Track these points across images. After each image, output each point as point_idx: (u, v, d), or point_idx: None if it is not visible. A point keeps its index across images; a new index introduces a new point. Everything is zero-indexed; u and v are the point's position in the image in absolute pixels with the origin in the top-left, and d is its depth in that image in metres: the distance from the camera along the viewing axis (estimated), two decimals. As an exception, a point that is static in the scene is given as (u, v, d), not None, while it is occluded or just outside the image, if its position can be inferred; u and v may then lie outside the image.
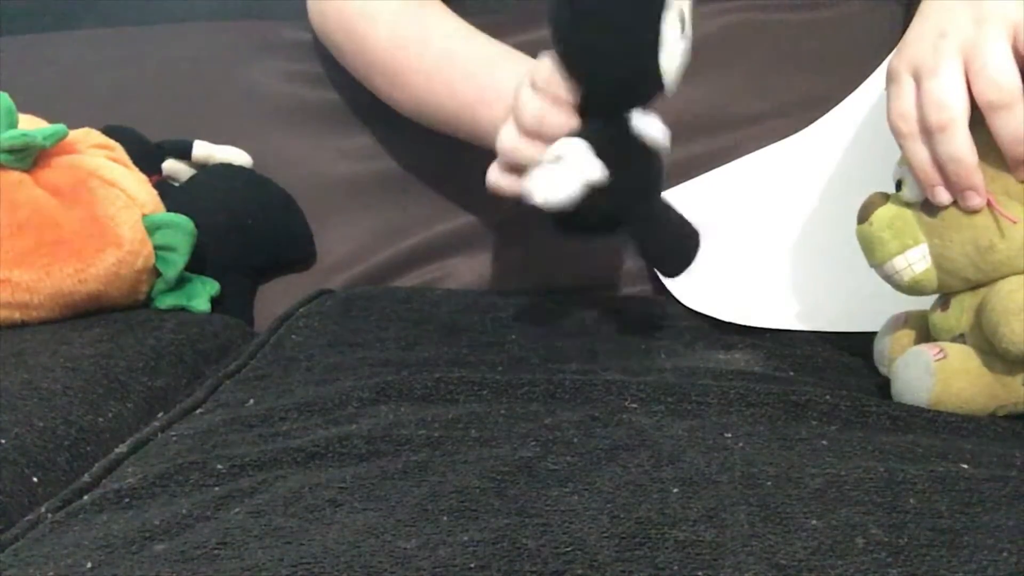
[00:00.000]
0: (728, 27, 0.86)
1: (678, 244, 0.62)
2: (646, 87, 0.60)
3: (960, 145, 0.53)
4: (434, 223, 0.92)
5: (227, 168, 0.93)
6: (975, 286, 0.56)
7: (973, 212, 0.54)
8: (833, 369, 0.64)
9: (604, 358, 0.63)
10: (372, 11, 0.84)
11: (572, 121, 0.60)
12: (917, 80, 0.54)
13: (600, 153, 0.59)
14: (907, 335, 0.61)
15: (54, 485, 0.55)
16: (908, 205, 0.57)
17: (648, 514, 0.41)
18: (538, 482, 0.44)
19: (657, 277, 0.79)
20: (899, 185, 0.57)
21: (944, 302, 0.58)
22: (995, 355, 0.55)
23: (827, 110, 0.81)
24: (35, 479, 0.55)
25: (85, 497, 0.48)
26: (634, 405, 0.54)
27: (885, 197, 0.58)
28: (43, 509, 0.47)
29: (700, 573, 0.37)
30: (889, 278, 0.58)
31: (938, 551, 0.39)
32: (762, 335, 0.69)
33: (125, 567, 0.39)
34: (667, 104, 0.88)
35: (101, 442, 0.60)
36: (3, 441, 0.55)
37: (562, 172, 0.57)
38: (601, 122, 0.60)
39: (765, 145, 0.82)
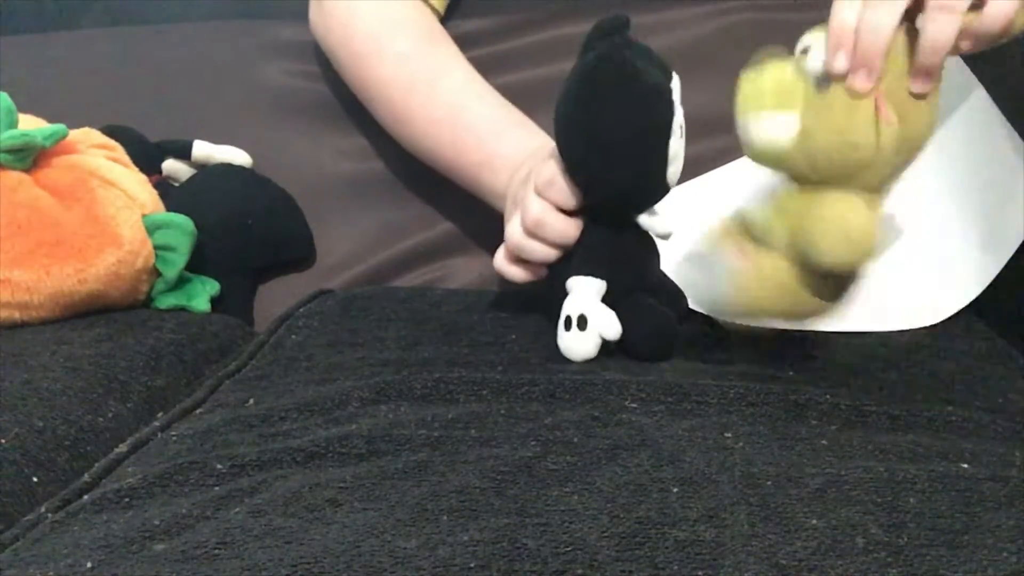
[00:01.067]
0: (728, 27, 0.86)
1: (663, 336, 0.64)
2: (653, 197, 0.63)
3: (888, 18, 0.52)
4: (434, 223, 0.92)
5: (227, 168, 0.93)
6: (807, 182, 0.55)
7: (856, 99, 0.53)
8: (833, 369, 0.64)
9: (604, 358, 0.63)
10: (381, 42, 0.83)
11: (570, 226, 0.63)
12: None
13: (601, 252, 0.63)
14: (725, 235, 0.60)
15: (54, 485, 0.55)
16: (803, 75, 0.55)
17: (648, 514, 0.41)
18: (538, 482, 0.44)
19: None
20: (804, 52, 0.56)
21: (775, 202, 0.57)
22: (801, 264, 0.54)
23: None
24: (35, 479, 0.55)
25: (85, 497, 0.48)
26: (634, 405, 0.54)
27: (786, 59, 0.56)
28: (43, 509, 0.47)
29: (700, 573, 0.37)
30: (747, 132, 0.56)
31: (938, 551, 0.39)
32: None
33: (125, 567, 0.39)
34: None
35: (101, 442, 0.60)
36: (3, 441, 0.55)
37: (585, 337, 0.62)
38: (608, 222, 0.63)
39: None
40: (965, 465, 0.47)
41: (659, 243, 0.65)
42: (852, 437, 0.50)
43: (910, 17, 0.53)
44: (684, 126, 0.62)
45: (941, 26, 0.52)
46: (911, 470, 0.46)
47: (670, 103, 0.60)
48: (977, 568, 0.38)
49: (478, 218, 0.90)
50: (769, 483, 0.44)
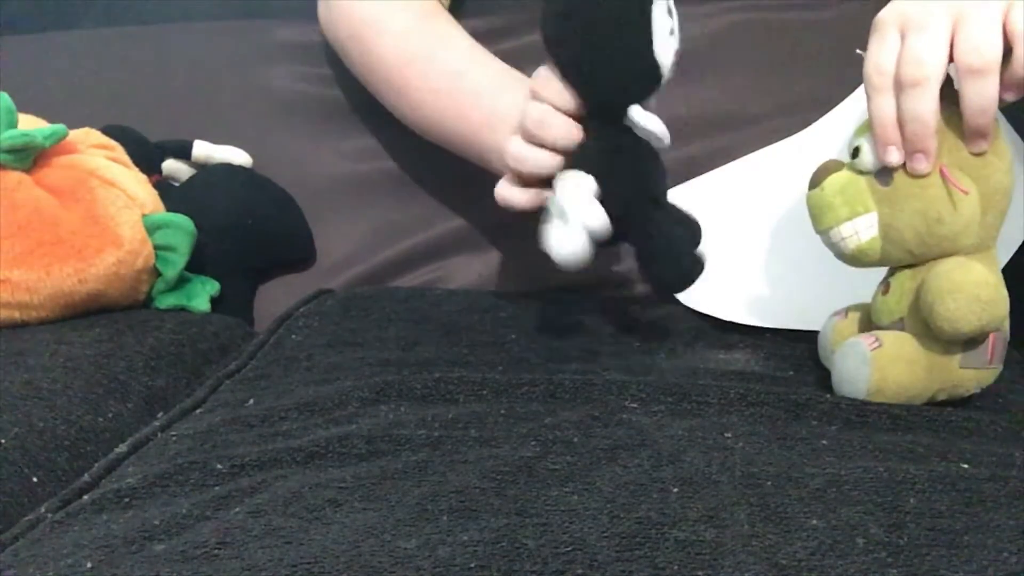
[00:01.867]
0: (728, 27, 0.86)
1: (678, 256, 0.62)
2: (642, 82, 0.61)
3: (927, 104, 0.53)
4: (434, 223, 0.92)
5: (227, 168, 0.93)
6: (916, 265, 0.56)
7: (922, 178, 0.54)
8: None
9: (604, 358, 0.63)
10: (380, 22, 0.84)
11: (573, 125, 0.61)
12: (903, 34, 0.55)
13: (601, 160, 0.60)
14: (848, 326, 0.61)
15: (54, 485, 0.55)
16: (862, 173, 0.57)
17: (648, 514, 0.41)
18: (538, 482, 0.44)
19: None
20: (855, 153, 0.57)
21: (885, 287, 0.58)
22: (931, 337, 0.55)
23: (827, 110, 0.81)
24: (35, 479, 0.55)
25: (85, 497, 0.48)
26: (634, 405, 0.54)
27: (840, 164, 0.58)
28: (43, 509, 0.47)
29: (700, 573, 0.37)
30: (834, 245, 0.57)
31: (938, 551, 0.39)
32: (762, 335, 0.69)
33: (125, 567, 0.39)
34: (668, 105, 0.88)
35: (101, 442, 0.60)
36: (3, 441, 0.55)
37: (568, 230, 0.59)
38: (602, 124, 0.61)
39: (765, 145, 0.82)
40: (965, 465, 0.47)
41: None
42: (852, 437, 0.50)
43: (944, 93, 0.54)
44: (675, 15, 0.60)
45: (981, 89, 0.53)
46: (911, 470, 0.46)
47: None
48: (977, 568, 0.38)
49: (478, 218, 0.90)
50: (769, 483, 0.44)
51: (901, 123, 0.54)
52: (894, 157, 0.55)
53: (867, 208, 0.56)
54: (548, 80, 0.62)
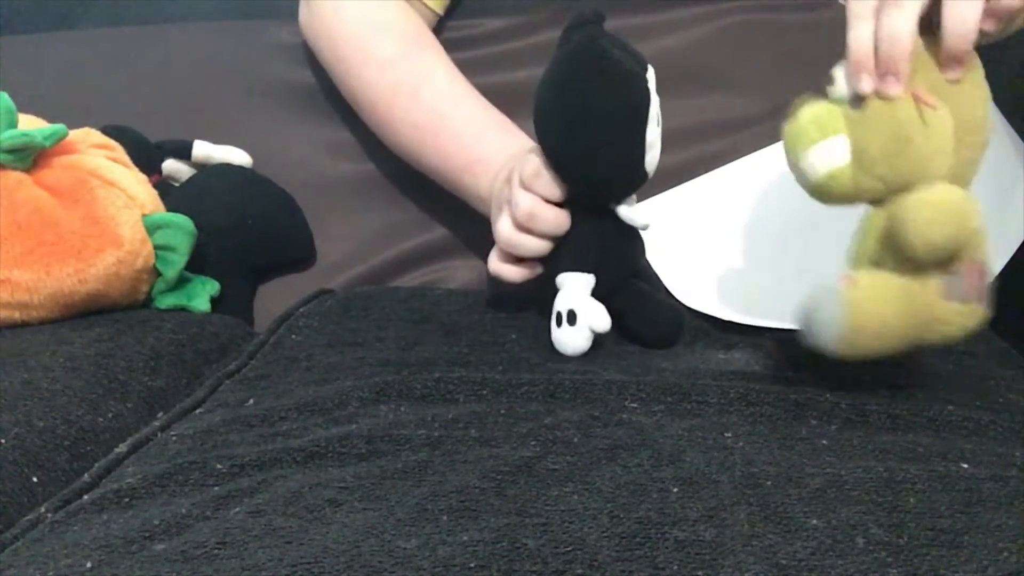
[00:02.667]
0: (728, 27, 0.86)
1: (662, 319, 0.68)
2: (632, 185, 0.64)
3: (904, 24, 0.53)
4: (434, 223, 0.92)
5: (227, 168, 0.93)
6: (885, 196, 0.55)
7: (894, 101, 0.54)
8: (833, 369, 0.64)
9: (604, 358, 0.63)
10: (366, 46, 0.84)
11: (562, 216, 0.65)
12: None
13: (590, 246, 0.65)
14: None
15: (54, 485, 0.55)
16: (837, 103, 0.56)
17: (648, 514, 0.41)
18: (538, 482, 0.44)
19: (657, 277, 0.79)
20: (829, 81, 0.57)
21: (861, 233, 0.57)
22: (907, 267, 0.53)
23: (827, 110, 0.81)
24: (35, 479, 0.55)
25: (85, 497, 0.48)
26: (634, 405, 0.54)
27: (817, 98, 0.57)
28: (43, 509, 0.47)
29: (700, 573, 0.37)
30: (804, 172, 0.56)
31: (938, 551, 0.39)
32: (762, 335, 0.69)
33: (125, 567, 0.39)
34: (668, 106, 0.88)
35: (101, 442, 0.60)
36: (3, 441, 0.55)
37: (576, 331, 0.63)
38: (588, 210, 0.65)
39: (765, 146, 0.82)
40: (965, 465, 0.47)
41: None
42: (852, 437, 0.50)
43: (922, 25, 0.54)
44: (660, 117, 0.63)
45: (963, 11, 0.52)
46: (911, 470, 0.46)
47: (646, 89, 0.61)
48: (977, 568, 0.38)
49: (478, 219, 0.90)
50: (769, 483, 0.44)
51: (877, 42, 0.54)
52: (866, 85, 0.54)
53: (838, 131, 0.55)
54: (538, 172, 0.64)
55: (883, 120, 0.54)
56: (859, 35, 0.55)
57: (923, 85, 0.54)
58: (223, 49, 1.03)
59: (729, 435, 0.50)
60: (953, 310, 0.54)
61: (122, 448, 0.54)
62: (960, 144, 0.54)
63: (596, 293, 0.65)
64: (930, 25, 0.54)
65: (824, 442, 0.49)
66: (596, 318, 0.63)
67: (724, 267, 0.77)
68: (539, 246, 0.66)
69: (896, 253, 0.53)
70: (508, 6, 0.90)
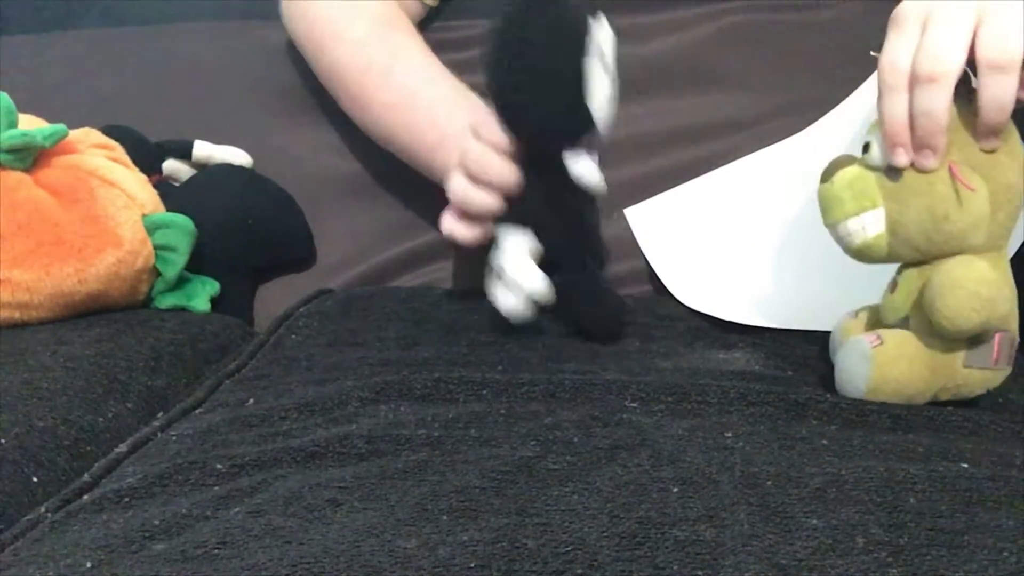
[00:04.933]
0: (728, 27, 0.86)
1: (606, 306, 0.66)
2: (576, 128, 0.63)
3: (940, 101, 0.52)
4: (434, 223, 0.92)
5: (227, 168, 0.93)
6: (924, 263, 0.56)
7: (930, 174, 0.54)
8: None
9: (604, 358, 0.63)
10: (338, 27, 0.85)
11: (510, 168, 0.64)
12: (924, 28, 0.54)
13: (538, 207, 0.64)
14: (856, 326, 0.61)
15: (54, 485, 0.55)
16: (872, 169, 0.56)
17: (648, 514, 0.41)
18: (538, 482, 0.44)
19: (657, 277, 0.79)
20: (865, 148, 0.57)
21: (893, 285, 0.58)
22: (934, 336, 0.55)
23: (827, 110, 0.81)
24: (35, 479, 0.55)
25: (85, 497, 0.48)
26: (634, 405, 0.54)
27: (852, 159, 0.57)
28: (43, 509, 0.47)
29: (700, 573, 0.37)
30: (841, 239, 0.57)
31: (938, 551, 0.39)
32: (762, 335, 0.69)
33: (125, 567, 0.39)
34: (668, 106, 0.88)
35: (101, 442, 0.60)
36: (3, 441, 0.55)
37: (507, 289, 0.63)
38: (541, 169, 0.64)
39: (765, 146, 0.82)
40: (965, 465, 0.47)
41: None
42: (852, 437, 0.50)
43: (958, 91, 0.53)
44: (615, 71, 0.62)
45: (1002, 85, 0.52)
46: (911, 470, 0.46)
47: (584, 20, 0.60)
48: (977, 568, 0.38)
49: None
50: (769, 483, 0.44)
51: (912, 118, 0.53)
52: (902, 159, 0.54)
53: (874, 203, 0.55)
54: (487, 120, 0.64)
55: (919, 194, 0.55)
56: (893, 109, 0.54)
57: (959, 156, 0.54)
58: (223, 49, 1.03)
59: (729, 435, 0.50)
60: (975, 376, 0.56)
61: (122, 448, 0.54)
62: (997, 210, 0.55)
63: (543, 263, 0.63)
64: (963, 91, 0.53)
65: (824, 442, 0.49)
66: (525, 276, 0.61)
67: (724, 267, 0.77)
68: (489, 201, 0.65)
69: (926, 320, 0.54)
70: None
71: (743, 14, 0.86)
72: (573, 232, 0.65)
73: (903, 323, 0.57)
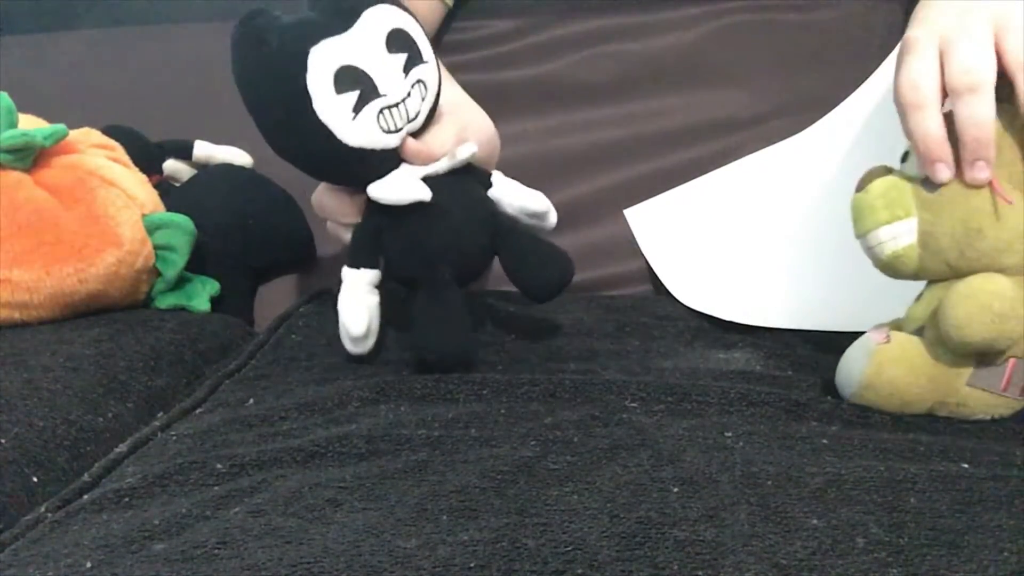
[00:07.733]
0: (728, 27, 0.86)
1: (543, 265, 0.63)
2: (343, 163, 0.61)
3: (986, 109, 0.52)
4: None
5: (228, 168, 0.93)
6: (952, 277, 0.55)
7: (975, 188, 0.53)
8: (833, 369, 0.64)
9: (604, 358, 0.63)
10: None
11: (344, 204, 0.65)
12: (943, 49, 0.53)
13: (364, 247, 0.64)
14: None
15: (54, 485, 0.55)
16: (909, 179, 0.55)
17: (648, 514, 0.41)
18: (538, 482, 0.44)
19: (657, 277, 0.79)
20: (904, 157, 0.56)
21: (919, 296, 0.57)
22: (943, 347, 0.54)
23: (827, 110, 0.81)
24: (35, 479, 0.55)
25: (85, 497, 0.48)
26: (634, 405, 0.54)
27: (888, 170, 0.56)
28: (43, 509, 0.47)
29: (700, 573, 0.37)
30: (871, 249, 0.56)
31: (938, 551, 0.39)
32: (762, 335, 0.69)
33: (125, 567, 0.39)
34: (668, 106, 0.88)
35: (101, 442, 0.60)
36: (3, 441, 0.55)
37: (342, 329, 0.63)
38: (371, 212, 0.63)
39: (765, 146, 0.82)
40: (965, 465, 0.47)
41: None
42: (852, 437, 0.50)
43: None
44: (376, 90, 0.59)
45: None
46: (911, 470, 0.46)
47: (300, 65, 0.61)
48: (977, 568, 0.38)
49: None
50: (769, 483, 0.44)
51: (960, 131, 0.52)
52: (944, 174, 0.53)
53: (908, 212, 0.54)
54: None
55: (956, 206, 0.53)
56: (925, 125, 0.53)
57: (999, 171, 0.53)
58: (223, 49, 1.03)
59: (729, 435, 0.50)
60: (978, 397, 0.54)
61: (122, 448, 0.54)
62: None
63: (403, 277, 0.63)
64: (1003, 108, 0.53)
65: (824, 442, 0.49)
66: (348, 319, 0.62)
67: (724, 267, 0.77)
68: (339, 231, 0.67)
69: (938, 327, 0.53)
70: (508, 6, 0.90)
71: (743, 14, 0.86)
72: (415, 250, 0.63)
73: (919, 332, 0.56)
